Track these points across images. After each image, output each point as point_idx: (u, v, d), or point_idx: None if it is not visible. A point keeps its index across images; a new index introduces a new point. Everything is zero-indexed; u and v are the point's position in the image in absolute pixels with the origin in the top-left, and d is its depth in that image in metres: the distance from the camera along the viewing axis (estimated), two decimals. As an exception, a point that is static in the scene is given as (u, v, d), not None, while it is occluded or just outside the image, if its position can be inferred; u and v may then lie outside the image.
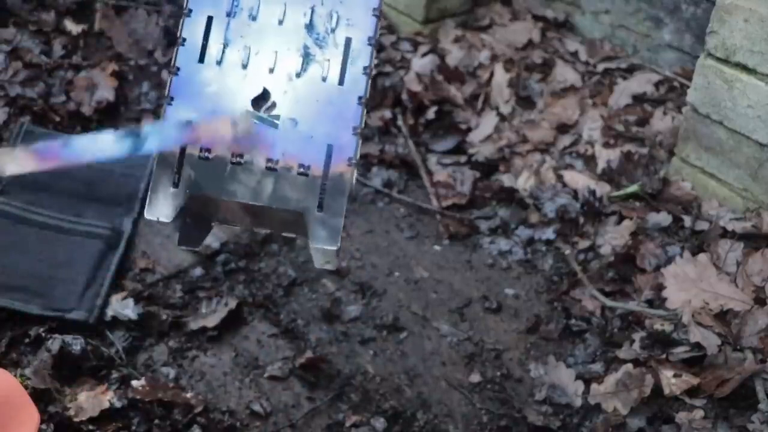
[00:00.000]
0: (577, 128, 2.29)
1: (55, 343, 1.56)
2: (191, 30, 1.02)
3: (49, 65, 2.23)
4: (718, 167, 1.98)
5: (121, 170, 2.01)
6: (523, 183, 2.12)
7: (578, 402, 1.63)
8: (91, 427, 1.47)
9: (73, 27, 2.34)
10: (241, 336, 1.71)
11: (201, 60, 1.01)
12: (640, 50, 2.53)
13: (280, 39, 1.02)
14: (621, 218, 1.99)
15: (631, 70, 2.48)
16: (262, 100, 1.00)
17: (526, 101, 2.40)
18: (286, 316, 1.76)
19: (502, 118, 2.33)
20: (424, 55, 2.49)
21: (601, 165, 2.14)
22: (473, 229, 2.04)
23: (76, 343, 1.57)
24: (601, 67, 2.51)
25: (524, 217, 2.04)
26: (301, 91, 1.01)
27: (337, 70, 1.01)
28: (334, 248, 0.98)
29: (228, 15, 1.02)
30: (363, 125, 1.01)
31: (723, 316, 1.70)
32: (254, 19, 1.02)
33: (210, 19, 1.02)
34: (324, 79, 1.01)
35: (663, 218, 1.97)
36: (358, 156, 1.00)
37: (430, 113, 2.30)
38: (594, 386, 1.63)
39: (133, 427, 1.49)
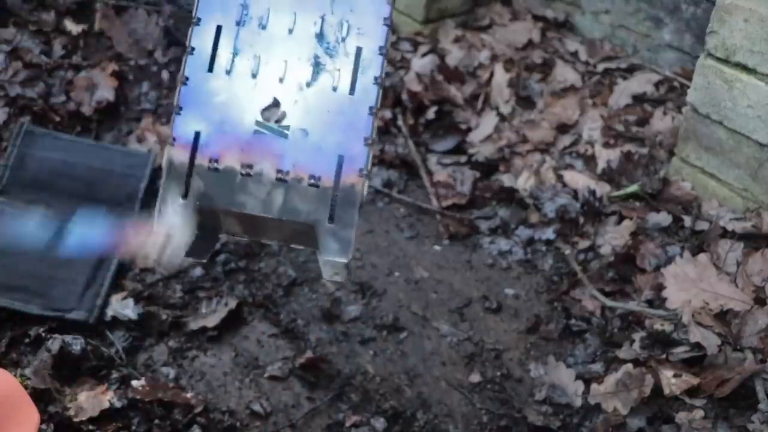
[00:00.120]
0: (577, 128, 2.29)
1: (55, 343, 1.56)
2: (200, 39, 1.00)
3: (49, 65, 2.23)
4: (718, 167, 1.98)
5: (121, 170, 2.01)
6: (523, 183, 2.12)
7: (578, 402, 1.63)
8: (91, 427, 1.47)
9: (73, 27, 2.34)
10: (241, 336, 1.71)
11: (210, 69, 1.00)
12: (640, 50, 2.53)
13: (290, 48, 1.01)
14: (621, 218, 1.99)
15: (631, 70, 2.48)
16: (272, 110, 0.99)
17: (526, 101, 2.40)
18: (286, 316, 1.76)
19: (502, 118, 2.33)
20: (424, 55, 2.49)
21: (601, 165, 2.14)
22: (473, 229, 2.04)
23: (76, 343, 1.57)
24: (601, 67, 2.51)
25: (524, 217, 2.04)
26: (312, 101, 0.99)
27: (347, 80, 1.00)
28: (345, 261, 0.96)
29: (237, 24, 1.01)
30: (374, 136, 0.99)
31: (723, 316, 1.70)
32: (264, 28, 1.01)
33: (219, 28, 1.00)
34: (335, 89, 1.00)
35: (663, 218, 1.97)
36: (369, 167, 0.98)
37: (430, 113, 2.30)
38: (594, 386, 1.63)
39: (133, 427, 1.49)
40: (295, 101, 0.99)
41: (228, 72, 1.00)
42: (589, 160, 2.18)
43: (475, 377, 1.69)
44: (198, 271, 1.81)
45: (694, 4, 2.35)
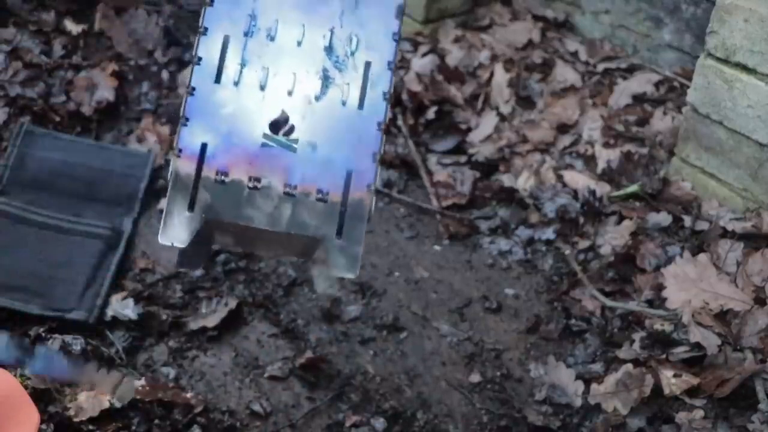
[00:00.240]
0: (577, 128, 2.29)
1: (55, 343, 1.56)
2: (207, 49, 0.99)
3: (49, 65, 2.23)
4: (718, 167, 1.98)
5: (121, 170, 2.01)
6: (523, 183, 2.12)
7: (578, 402, 1.63)
8: (91, 427, 1.47)
9: (73, 27, 2.34)
10: (241, 336, 1.71)
11: (217, 80, 0.98)
12: (640, 50, 2.53)
13: (298, 61, 0.99)
14: (621, 218, 1.99)
15: (631, 70, 2.48)
16: (280, 123, 0.98)
17: (526, 101, 2.40)
18: (286, 316, 1.76)
19: (502, 118, 2.33)
20: (424, 55, 2.49)
21: (601, 165, 2.14)
22: (473, 229, 2.04)
23: (76, 343, 1.57)
24: (601, 67, 2.51)
25: (524, 217, 2.04)
26: (321, 114, 0.98)
27: (356, 94, 0.99)
28: (353, 276, 0.96)
29: (245, 35, 0.99)
30: (382, 151, 0.99)
31: (723, 316, 1.70)
32: (272, 39, 1.00)
33: (227, 38, 0.99)
34: (344, 104, 0.99)
35: (663, 218, 1.97)
36: (377, 182, 0.98)
37: (430, 113, 2.30)
38: (594, 386, 1.63)
39: (133, 427, 1.49)
40: (303, 115, 0.98)
41: (236, 83, 0.98)
42: (589, 160, 2.18)
43: (475, 377, 1.69)
44: (198, 271, 1.81)
45: (694, 4, 2.35)
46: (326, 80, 1.00)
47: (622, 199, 2.05)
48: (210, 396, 1.58)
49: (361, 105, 0.99)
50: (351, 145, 0.98)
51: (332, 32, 1.00)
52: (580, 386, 1.65)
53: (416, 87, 2.36)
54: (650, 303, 1.79)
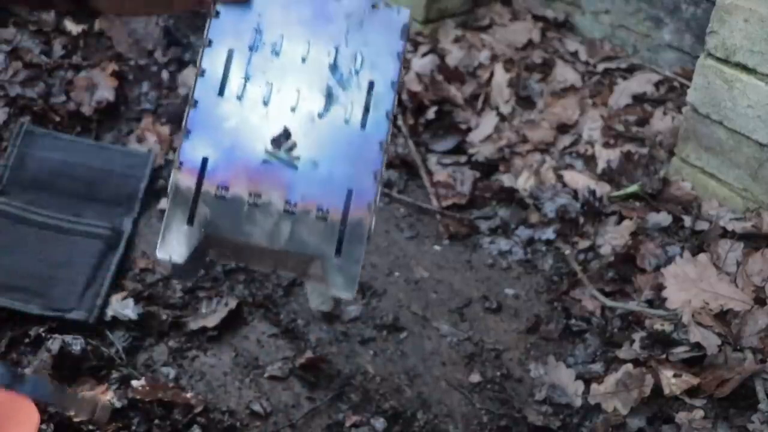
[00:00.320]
0: (577, 128, 2.29)
1: (55, 343, 1.56)
2: (211, 61, 0.97)
3: (49, 65, 2.23)
4: (718, 167, 1.98)
5: (121, 170, 2.01)
6: (523, 183, 2.12)
7: (578, 402, 1.63)
8: (91, 427, 1.47)
9: (73, 27, 2.34)
10: (241, 336, 1.71)
11: (221, 93, 0.97)
12: (640, 50, 2.53)
13: (303, 77, 0.98)
14: (621, 218, 1.99)
15: (631, 70, 2.48)
16: (282, 139, 0.97)
17: (526, 101, 2.40)
18: (286, 316, 1.76)
19: (502, 118, 2.33)
20: (424, 55, 2.49)
21: (601, 165, 2.14)
22: (473, 229, 2.04)
23: (76, 343, 1.57)
24: (601, 67, 2.51)
25: (524, 217, 2.05)
26: (323, 132, 0.97)
27: (359, 113, 0.98)
28: (350, 296, 0.94)
29: (250, 49, 0.98)
30: (384, 170, 0.98)
31: (723, 316, 1.70)
32: (277, 54, 0.98)
33: (231, 51, 0.98)
34: (346, 122, 0.98)
35: (663, 218, 1.97)
36: (377, 201, 0.97)
37: (430, 113, 2.30)
38: (594, 386, 1.63)
39: (133, 427, 1.49)
40: (306, 132, 0.97)
41: (239, 97, 0.97)
42: (589, 160, 2.18)
43: (475, 377, 1.69)
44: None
45: (694, 4, 2.35)
46: (330, 98, 0.98)
47: (622, 199, 2.05)
48: (210, 396, 1.58)
49: (363, 124, 0.98)
50: (352, 164, 0.97)
51: (337, 50, 0.99)
52: (580, 386, 1.65)
53: (416, 87, 2.36)
54: (650, 303, 1.79)
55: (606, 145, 2.20)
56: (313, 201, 0.95)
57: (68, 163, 1.99)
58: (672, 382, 1.59)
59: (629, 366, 1.64)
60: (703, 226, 1.93)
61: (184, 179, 0.94)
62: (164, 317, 1.69)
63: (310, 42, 0.99)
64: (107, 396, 1.51)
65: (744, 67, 1.85)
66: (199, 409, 1.53)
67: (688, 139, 2.02)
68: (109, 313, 1.68)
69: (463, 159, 2.22)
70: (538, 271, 1.94)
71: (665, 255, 1.87)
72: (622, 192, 2.06)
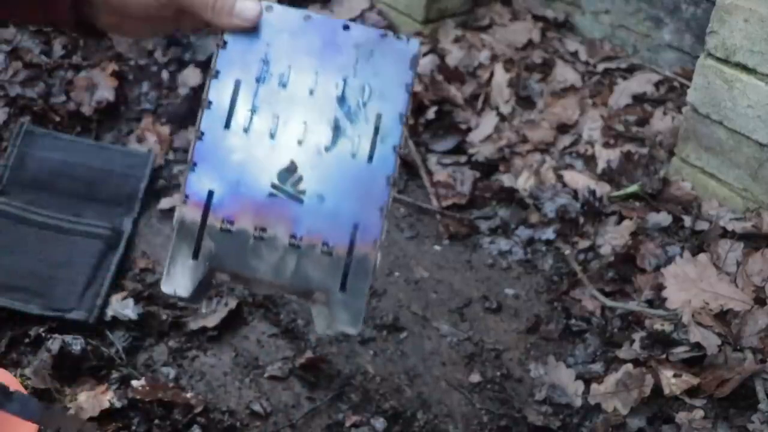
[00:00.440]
0: (577, 128, 2.29)
1: (55, 343, 1.56)
2: (218, 93, 0.96)
3: (49, 65, 2.23)
4: (718, 167, 1.98)
5: (121, 170, 2.01)
6: (523, 183, 2.12)
7: (578, 402, 1.63)
8: (86, 432, 1.47)
9: (73, 27, 2.34)
10: (241, 336, 1.71)
11: (227, 126, 0.95)
12: (640, 50, 2.53)
13: (310, 109, 0.97)
14: (621, 218, 1.99)
15: (631, 70, 2.48)
16: (288, 172, 0.95)
17: (526, 101, 2.40)
18: (286, 316, 1.76)
19: (502, 118, 2.33)
20: (424, 55, 2.49)
21: (601, 165, 2.14)
22: (473, 229, 2.04)
23: (76, 343, 1.57)
24: (601, 67, 2.51)
25: (524, 217, 2.05)
26: (330, 166, 0.96)
27: (366, 147, 0.97)
28: (355, 332, 0.93)
29: (258, 80, 0.96)
30: (390, 205, 0.96)
31: (723, 316, 1.70)
32: (284, 86, 0.97)
33: (238, 83, 0.96)
34: (353, 156, 0.96)
35: (663, 218, 1.97)
36: (383, 237, 0.95)
37: (430, 113, 2.30)
38: (594, 386, 1.63)
39: (133, 427, 1.49)
40: (312, 165, 0.95)
41: (246, 130, 0.95)
42: (589, 160, 2.18)
43: (475, 377, 1.69)
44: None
45: (694, 4, 2.35)
46: (337, 131, 0.97)
47: (622, 199, 2.05)
48: (210, 396, 1.58)
49: (371, 158, 0.97)
50: (358, 199, 0.95)
51: (345, 81, 0.98)
52: (580, 386, 1.65)
53: (416, 87, 2.36)
54: (650, 303, 1.79)
55: (606, 145, 2.20)
56: (318, 235, 0.94)
57: (68, 163, 1.99)
58: (672, 382, 1.59)
59: (629, 366, 1.64)
60: (703, 226, 1.93)
61: (189, 212, 0.93)
62: (164, 317, 1.69)
63: (318, 73, 0.97)
64: (107, 396, 1.51)
65: (744, 67, 1.85)
66: (199, 409, 1.53)
67: (688, 139, 2.02)
68: (109, 313, 1.68)
69: (463, 159, 2.22)
70: (538, 271, 1.94)
71: (665, 255, 1.87)
72: (622, 192, 2.06)
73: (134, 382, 1.55)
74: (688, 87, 2.05)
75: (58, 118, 2.12)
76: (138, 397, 1.52)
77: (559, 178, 2.12)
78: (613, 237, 1.95)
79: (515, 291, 1.89)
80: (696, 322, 1.67)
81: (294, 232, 0.94)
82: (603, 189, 2.06)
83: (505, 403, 1.65)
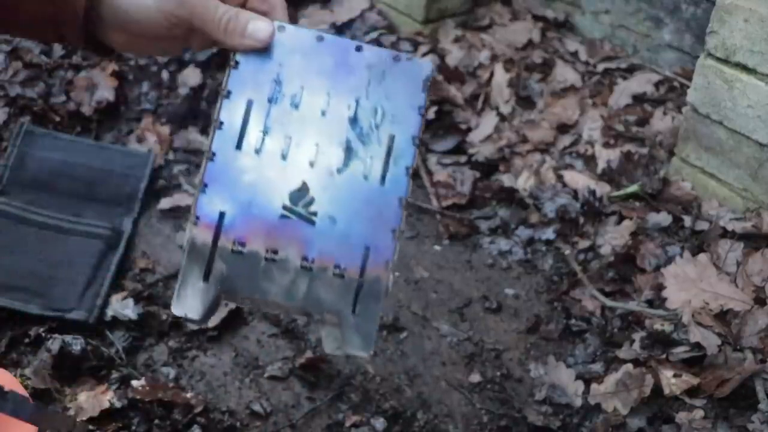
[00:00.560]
0: (577, 128, 2.29)
1: (55, 343, 1.56)
2: (229, 114, 0.94)
3: (49, 65, 2.23)
4: (718, 167, 1.98)
5: (121, 170, 2.01)
6: (523, 183, 2.12)
7: (578, 402, 1.63)
8: (91, 427, 1.47)
9: (73, 27, 2.34)
10: (241, 336, 1.71)
11: (238, 147, 0.94)
12: (640, 50, 2.53)
13: (322, 131, 0.96)
14: (621, 218, 1.99)
15: (631, 70, 2.48)
16: (300, 194, 0.94)
17: (526, 101, 2.40)
18: (286, 316, 1.76)
19: (502, 118, 2.33)
20: (424, 55, 2.49)
21: (601, 165, 2.14)
22: (473, 229, 2.04)
23: (76, 343, 1.57)
24: (601, 67, 2.51)
25: (524, 217, 2.04)
26: (342, 188, 0.95)
27: (379, 169, 0.96)
28: (367, 355, 0.93)
29: (269, 101, 0.95)
30: (402, 227, 0.96)
31: (723, 316, 1.70)
32: (296, 107, 0.96)
33: (250, 103, 0.95)
34: (365, 177, 0.96)
35: (663, 218, 1.97)
36: (395, 259, 0.95)
37: (430, 113, 2.30)
38: (594, 386, 1.63)
39: (133, 427, 1.49)
40: (324, 187, 0.95)
41: (257, 151, 0.94)
42: (589, 160, 2.18)
43: (475, 377, 1.69)
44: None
45: (694, 4, 2.35)
46: (349, 152, 0.96)
47: (622, 199, 2.05)
48: (210, 396, 1.58)
49: (383, 180, 0.96)
50: (371, 221, 0.95)
51: (358, 103, 0.97)
52: (580, 386, 1.65)
53: (416, 87, 2.35)
54: (650, 303, 1.79)
55: (606, 145, 2.19)
56: (330, 257, 0.93)
57: (68, 163, 1.99)
58: (672, 382, 1.59)
59: (629, 366, 1.64)
60: (703, 226, 1.93)
61: (200, 234, 0.92)
62: (164, 317, 1.69)
63: (330, 94, 0.97)
64: (107, 396, 1.51)
65: (744, 67, 1.85)
66: (199, 409, 1.53)
67: (688, 139, 2.02)
68: (109, 313, 1.68)
69: (463, 159, 2.22)
70: (538, 271, 1.94)
71: (665, 255, 1.87)
72: (622, 192, 2.06)
73: (134, 382, 1.55)
74: (688, 87, 2.05)
75: (58, 118, 2.12)
76: (138, 397, 1.52)
77: (559, 178, 2.12)
78: (613, 237, 1.95)
79: (515, 291, 1.89)
80: (696, 322, 1.67)
81: (306, 254, 0.93)
82: (603, 189, 2.06)
83: (505, 403, 1.65)
